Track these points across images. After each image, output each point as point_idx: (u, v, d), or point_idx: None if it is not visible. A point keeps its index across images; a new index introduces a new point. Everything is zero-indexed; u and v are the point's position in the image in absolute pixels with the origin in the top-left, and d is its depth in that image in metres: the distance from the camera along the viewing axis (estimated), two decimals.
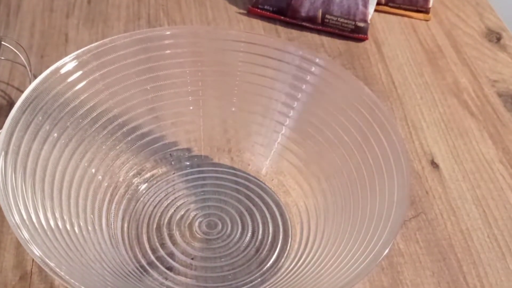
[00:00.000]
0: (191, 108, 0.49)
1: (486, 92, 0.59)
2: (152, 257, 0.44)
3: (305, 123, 0.47)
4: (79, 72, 0.43)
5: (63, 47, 0.60)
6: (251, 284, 0.43)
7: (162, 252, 0.44)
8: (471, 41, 0.65)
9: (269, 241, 0.45)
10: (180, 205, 0.47)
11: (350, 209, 0.42)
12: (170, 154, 0.49)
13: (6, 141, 0.38)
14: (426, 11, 0.67)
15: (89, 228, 0.42)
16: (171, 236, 0.45)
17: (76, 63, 0.43)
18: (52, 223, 0.38)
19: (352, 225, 0.40)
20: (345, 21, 0.63)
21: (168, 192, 0.48)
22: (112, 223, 0.45)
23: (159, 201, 0.47)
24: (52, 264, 0.33)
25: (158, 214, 0.46)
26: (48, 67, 0.42)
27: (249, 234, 0.46)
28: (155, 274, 0.43)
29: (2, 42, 0.58)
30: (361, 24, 0.63)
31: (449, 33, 0.66)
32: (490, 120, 0.56)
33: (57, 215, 0.39)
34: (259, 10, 0.65)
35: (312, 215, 0.45)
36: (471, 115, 0.57)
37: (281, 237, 0.46)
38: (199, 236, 0.45)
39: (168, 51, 0.47)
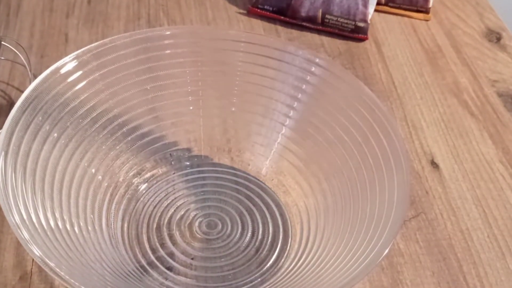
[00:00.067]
0: (191, 108, 0.49)
1: (486, 92, 0.59)
2: (152, 257, 0.44)
3: (305, 123, 0.47)
4: (79, 72, 0.43)
5: (63, 47, 0.60)
6: (251, 284, 0.43)
7: (162, 252, 0.44)
8: (471, 41, 0.65)
9: (269, 241, 0.45)
10: (180, 205, 0.47)
11: (350, 209, 0.42)
12: (170, 154, 0.49)
13: (6, 141, 0.38)
14: (426, 11, 0.67)
15: (89, 228, 0.42)
16: (171, 236, 0.45)
17: (76, 63, 0.43)
18: (52, 223, 0.38)
19: (352, 225, 0.40)
20: (345, 21, 0.63)
21: (168, 192, 0.48)
22: (112, 223, 0.45)
23: (159, 201, 0.47)
24: (52, 264, 0.33)
25: (158, 214, 0.46)
26: (48, 67, 0.42)
27: (249, 234, 0.46)
28: (155, 274, 0.43)
29: (2, 42, 0.58)
30: (361, 24, 0.63)
31: (449, 33, 0.66)
32: (490, 120, 0.56)
33: (57, 215, 0.39)
34: (259, 10, 0.65)
35: (312, 215, 0.45)
36: (471, 115, 0.57)
37: (281, 237, 0.46)
38: (199, 236, 0.45)
39: (168, 51, 0.47)
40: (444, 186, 0.50)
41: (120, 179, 0.47)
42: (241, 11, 0.66)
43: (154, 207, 0.47)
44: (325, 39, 0.64)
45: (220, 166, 0.50)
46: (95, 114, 0.45)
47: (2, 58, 0.57)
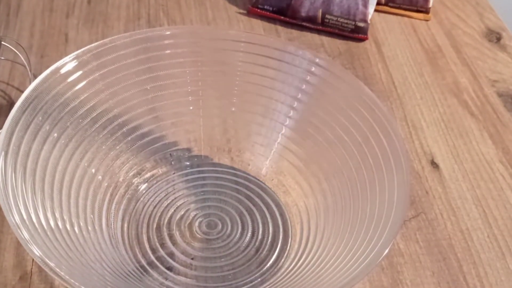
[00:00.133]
0: (191, 108, 0.49)
1: (486, 92, 0.59)
2: (152, 257, 0.44)
3: (305, 123, 0.47)
4: (79, 72, 0.43)
5: (63, 47, 0.60)
6: (251, 284, 0.43)
7: (162, 252, 0.44)
8: (471, 41, 0.65)
9: (269, 241, 0.45)
10: (180, 205, 0.47)
11: (350, 209, 0.42)
12: (170, 154, 0.49)
13: (6, 141, 0.38)
14: (426, 11, 0.67)
15: (89, 228, 0.42)
16: (171, 236, 0.45)
17: (76, 63, 0.43)
18: (52, 223, 0.38)
19: (352, 225, 0.40)
20: (345, 21, 0.63)
21: (168, 192, 0.48)
22: (112, 223, 0.45)
23: (159, 201, 0.47)
24: (52, 264, 0.33)
25: (158, 214, 0.46)
26: (48, 67, 0.42)
27: (249, 234, 0.46)
28: (155, 274, 0.43)
29: (2, 42, 0.58)
30: (361, 24, 0.63)
31: (449, 33, 0.66)
32: (490, 120, 0.56)
33: (57, 215, 0.39)
34: (259, 10, 0.65)
35: (312, 215, 0.45)
36: (471, 115, 0.57)
37: (281, 237, 0.46)
38: (199, 236, 0.45)
39: (168, 51, 0.47)
40: (444, 186, 0.50)
41: (120, 179, 0.47)
42: (241, 11, 0.66)
43: (154, 207, 0.47)
44: (325, 39, 0.64)
45: (220, 166, 0.50)
46: (95, 114, 0.45)
47: (2, 58, 0.57)
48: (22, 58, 0.55)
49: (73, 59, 0.43)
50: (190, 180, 0.49)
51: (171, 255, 0.44)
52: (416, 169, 0.51)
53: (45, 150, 0.41)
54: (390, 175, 0.39)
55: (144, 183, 0.48)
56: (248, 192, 0.48)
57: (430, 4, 0.67)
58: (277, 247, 0.45)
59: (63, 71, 0.42)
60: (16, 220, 0.34)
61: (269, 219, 0.47)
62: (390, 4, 0.68)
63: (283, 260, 0.44)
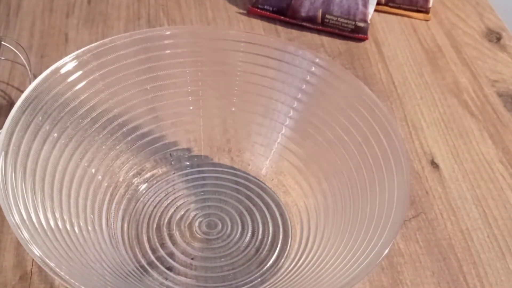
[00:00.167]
0: (191, 108, 0.49)
1: (486, 92, 0.59)
2: (152, 257, 0.44)
3: (305, 123, 0.47)
4: (79, 72, 0.43)
5: (63, 47, 0.60)
6: (251, 284, 0.43)
7: (162, 252, 0.44)
8: (471, 41, 0.65)
9: (269, 241, 0.45)
10: (180, 205, 0.47)
11: (350, 209, 0.42)
12: (170, 154, 0.49)
13: (6, 141, 0.38)
14: (426, 11, 0.67)
15: (89, 228, 0.42)
16: (171, 236, 0.45)
17: (76, 63, 0.43)
18: (52, 223, 0.38)
19: (352, 225, 0.40)
20: (345, 21, 0.63)
21: (168, 192, 0.48)
22: (112, 223, 0.45)
23: (159, 201, 0.47)
24: (52, 264, 0.33)
25: (158, 214, 0.46)
26: (48, 67, 0.42)
27: (249, 234, 0.46)
28: (155, 274, 0.43)
29: (2, 42, 0.58)
30: (361, 24, 0.63)
31: (449, 33, 0.66)
32: (490, 120, 0.56)
33: (57, 215, 0.39)
34: (259, 10, 0.65)
35: (312, 215, 0.45)
36: (471, 115, 0.57)
37: (281, 237, 0.46)
38: (199, 236, 0.45)
39: (168, 51, 0.47)
40: (444, 186, 0.50)
41: (120, 179, 0.47)
42: (241, 11, 0.66)
43: (154, 207, 0.47)
44: (325, 39, 0.64)
45: (220, 166, 0.50)
46: (95, 114, 0.45)
47: (2, 58, 0.57)
48: (22, 58, 0.55)
49: (73, 59, 0.43)
50: (190, 180, 0.49)
51: (171, 255, 0.44)
52: (416, 169, 0.51)
53: (45, 150, 0.41)
54: (390, 175, 0.39)
55: (144, 183, 0.48)
56: (248, 192, 0.48)
57: (430, 4, 0.67)
58: (277, 247, 0.45)
59: (63, 71, 0.42)
60: (16, 220, 0.34)
61: (269, 219, 0.47)
62: (390, 4, 0.68)
63: (283, 260, 0.44)
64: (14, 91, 0.55)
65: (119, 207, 0.46)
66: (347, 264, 0.36)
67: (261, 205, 0.47)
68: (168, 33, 0.46)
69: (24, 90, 0.40)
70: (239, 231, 0.46)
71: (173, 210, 0.47)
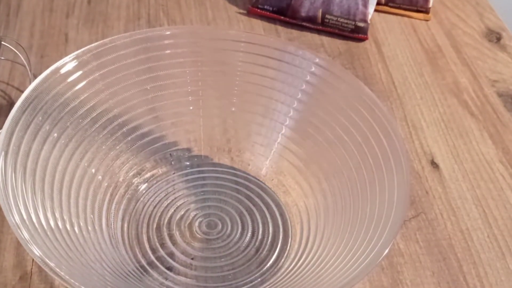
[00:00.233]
0: (191, 108, 0.49)
1: (486, 92, 0.59)
2: (152, 257, 0.44)
3: (305, 123, 0.47)
4: (79, 72, 0.43)
5: (63, 47, 0.60)
6: (251, 284, 0.43)
7: (162, 252, 0.44)
8: (471, 41, 0.65)
9: (269, 241, 0.45)
10: (180, 205, 0.47)
11: (350, 209, 0.42)
12: (170, 154, 0.49)
13: (6, 141, 0.38)
14: (426, 11, 0.67)
15: (89, 228, 0.42)
16: (171, 236, 0.45)
17: (76, 63, 0.43)
18: (52, 223, 0.38)
19: (352, 225, 0.40)
20: (345, 21, 0.63)
21: (168, 192, 0.48)
22: (112, 223, 0.45)
23: (159, 201, 0.47)
24: (52, 264, 0.33)
25: (158, 214, 0.46)
26: (48, 67, 0.42)
27: (249, 234, 0.46)
28: (155, 274, 0.43)
29: (2, 42, 0.58)
30: (361, 24, 0.63)
31: (449, 33, 0.66)
32: (490, 120, 0.56)
33: (57, 215, 0.39)
34: (259, 10, 0.65)
35: (312, 215, 0.45)
36: (471, 115, 0.57)
37: (281, 237, 0.46)
38: (199, 236, 0.45)
39: (168, 51, 0.47)
40: (444, 186, 0.50)
41: (120, 179, 0.47)
42: (241, 11, 0.66)
43: (154, 207, 0.47)
44: (325, 39, 0.64)
45: (220, 166, 0.50)
46: (95, 114, 0.45)
47: (2, 58, 0.57)
48: (22, 58, 0.55)
49: (73, 59, 0.43)
50: (190, 180, 0.49)
51: (171, 255, 0.44)
52: (416, 169, 0.51)
53: (45, 150, 0.41)
54: (390, 175, 0.39)
55: (144, 183, 0.48)
56: (248, 192, 0.48)
57: (430, 4, 0.67)
58: (277, 247, 0.45)
59: (63, 71, 0.42)
60: (16, 220, 0.34)
61: (269, 219, 0.47)
62: (390, 4, 0.68)
63: (283, 260, 0.44)
64: (14, 91, 0.55)
65: (119, 207, 0.46)
66: (347, 264, 0.36)
67: (261, 205, 0.47)
68: (168, 33, 0.46)
69: (24, 90, 0.40)
70: (239, 231, 0.46)
71: (173, 210, 0.47)
